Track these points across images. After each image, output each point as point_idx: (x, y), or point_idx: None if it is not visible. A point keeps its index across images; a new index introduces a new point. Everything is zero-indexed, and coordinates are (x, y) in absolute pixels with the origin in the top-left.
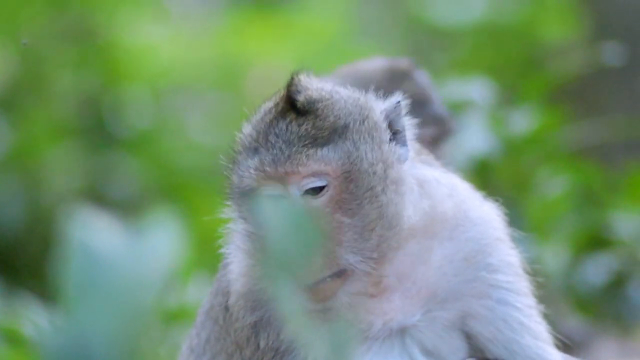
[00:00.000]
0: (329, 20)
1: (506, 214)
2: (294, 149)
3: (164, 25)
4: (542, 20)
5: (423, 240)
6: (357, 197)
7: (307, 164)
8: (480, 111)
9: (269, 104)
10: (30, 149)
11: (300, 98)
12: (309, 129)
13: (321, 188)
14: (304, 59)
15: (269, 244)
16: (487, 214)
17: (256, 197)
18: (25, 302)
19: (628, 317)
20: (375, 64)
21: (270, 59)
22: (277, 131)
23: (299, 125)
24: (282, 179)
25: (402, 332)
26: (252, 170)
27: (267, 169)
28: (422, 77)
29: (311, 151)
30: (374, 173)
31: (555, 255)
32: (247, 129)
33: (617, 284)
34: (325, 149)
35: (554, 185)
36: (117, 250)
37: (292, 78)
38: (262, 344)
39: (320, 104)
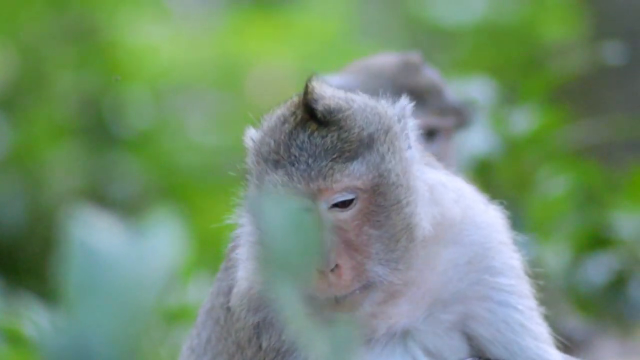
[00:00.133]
0: (330, 20)
1: (507, 214)
2: (323, 163)
3: (165, 25)
4: (543, 19)
5: (430, 246)
6: (385, 209)
7: (340, 180)
8: (481, 111)
9: (283, 112)
10: (31, 149)
11: (319, 107)
12: (335, 142)
13: (349, 201)
14: (305, 59)
15: (271, 245)
16: (491, 218)
17: (259, 200)
18: (26, 302)
19: (629, 316)
20: (387, 58)
21: (270, 59)
22: (298, 143)
23: (322, 137)
24: (312, 195)
25: (405, 333)
26: (279, 186)
27: (299, 185)
28: (433, 70)
29: (341, 166)
30: (401, 185)
31: (556, 255)
32: (263, 137)
33: (618, 283)
34: (355, 163)
35: (555, 184)
36: (118, 250)
37: (308, 86)
38: (264, 344)
39: (341, 115)
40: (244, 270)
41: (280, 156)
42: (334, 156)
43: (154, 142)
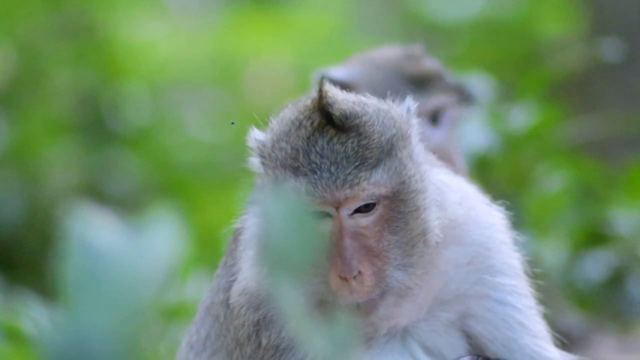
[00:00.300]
0: (327, 16)
1: (508, 213)
2: (348, 171)
3: (162, 21)
4: (540, 16)
5: (435, 248)
6: (404, 214)
7: (366, 189)
8: (478, 107)
9: (297, 116)
10: (29, 146)
11: (335, 112)
12: (356, 148)
13: (370, 207)
14: (302, 56)
15: (277, 244)
16: (493, 218)
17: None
18: (25, 299)
19: (627, 312)
20: (389, 49)
21: (268, 56)
22: (318, 149)
23: (342, 144)
24: (337, 203)
25: (404, 332)
26: (303, 194)
27: (325, 195)
28: (433, 60)
29: (366, 174)
30: (419, 190)
31: (554, 251)
32: (276, 142)
33: (615, 279)
34: (379, 171)
35: (553, 180)
36: (116, 247)
37: (322, 90)
38: (263, 342)
39: (358, 120)
40: (245, 267)
41: (299, 163)
42: (357, 163)
43: (151, 138)
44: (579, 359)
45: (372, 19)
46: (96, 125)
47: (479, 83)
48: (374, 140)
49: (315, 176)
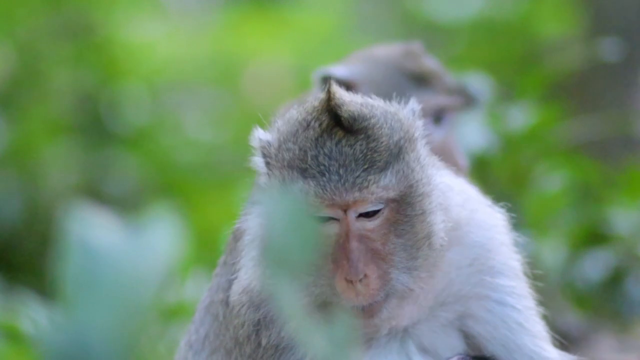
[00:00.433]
0: (326, 16)
1: (509, 215)
2: (357, 174)
3: (161, 22)
4: (539, 15)
5: (438, 251)
6: (410, 218)
7: (375, 192)
8: (480, 109)
9: (304, 116)
10: (28, 146)
11: (344, 114)
12: (365, 151)
13: (377, 210)
14: (301, 56)
15: (279, 244)
16: (494, 220)
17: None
18: (24, 299)
19: (626, 312)
20: (389, 47)
21: (267, 56)
22: (326, 151)
23: (351, 146)
24: (345, 206)
25: (403, 331)
26: (312, 196)
27: (335, 197)
28: (432, 58)
29: (375, 177)
30: (426, 194)
31: (553, 251)
32: (282, 142)
33: (615, 279)
34: (387, 174)
35: (552, 181)
36: (115, 247)
37: (330, 91)
38: (263, 341)
39: (366, 122)
40: (246, 267)
41: (307, 164)
42: (365, 166)
43: (150, 138)
44: (578, 359)
45: (371, 19)
46: (95, 126)
47: (478, 83)
48: (382, 142)
49: (324, 178)
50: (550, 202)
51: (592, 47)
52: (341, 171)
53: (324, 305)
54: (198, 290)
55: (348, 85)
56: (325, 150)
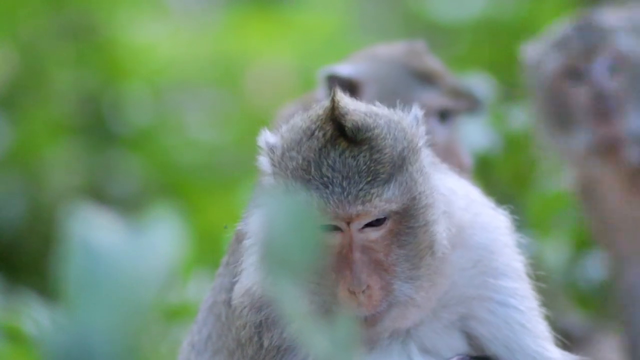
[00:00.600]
0: (328, 16)
1: (512, 216)
2: (360, 187)
3: (163, 22)
4: (542, 15)
5: (441, 259)
6: (413, 229)
7: (378, 206)
8: (485, 112)
9: (308, 125)
10: (30, 147)
11: (348, 124)
12: (368, 163)
13: (380, 222)
14: (303, 56)
15: (276, 246)
16: (497, 222)
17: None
18: (26, 300)
19: None
20: (393, 46)
21: (269, 56)
22: (330, 162)
23: (354, 157)
24: (348, 218)
25: (405, 333)
26: (315, 208)
27: (338, 210)
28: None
29: (378, 190)
30: (429, 205)
31: (555, 251)
32: (286, 150)
33: None
34: (391, 187)
35: (554, 180)
36: (117, 248)
37: (334, 99)
38: (265, 343)
39: (370, 133)
40: (248, 268)
41: (311, 176)
42: (369, 179)
43: (153, 139)
44: (580, 359)
45: (373, 19)
46: (98, 127)
47: (481, 83)
48: (386, 154)
49: (327, 191)
50: (553, 202)
51: None
52: (344, 183)
53: (321, 308)
54: (200, 291)
55: (353, 84)
56: (329, 162)
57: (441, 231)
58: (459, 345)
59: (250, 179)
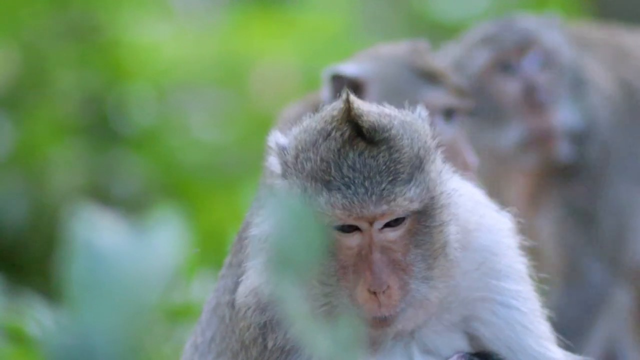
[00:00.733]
0: (332, 16)
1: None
2: (382, 186)
3: (167, 22)
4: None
5: (453, 260)
6: (430, 228)
7: (402, 204)
8: None
9: (323, 126)
10: (34, 148)
11: (365, 124)
12: (388, 163)
13: (400, 221)
14: (308, 56)
15: (282, 247)
16: (500, 224)
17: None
18: (29, 301)
19: None
20: (396, 45)
21: (273, 56)
22: (349, 163)
23: (374, 158)
24: (372, 218)
25: (409, 334)
26: (337, 210)
27: (363, 210)
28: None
29: (401, 189)
30: (445, 205)
31: None
32: (301, 151)
33: None
34: (412, 186)
35: None
36: (120, 248)
37: (349, 101)
38: (269, 344)
39: (387, 133)
40: (252, 270)
41: (331, 177)
42: (390, 178)
43: (156, 139)
44: (582, 359)
45: (377, 19)
46: (101, 127)
47: None
48: (404, 154)
49: (349, 191)
50: None
51: None
52: (367, 183)
53: (330, 310)
54: (204, 292)
55: (357, 84)
56: (349, 162)
57: (453, 232)
58: (461, 346)
59: (253, 180)
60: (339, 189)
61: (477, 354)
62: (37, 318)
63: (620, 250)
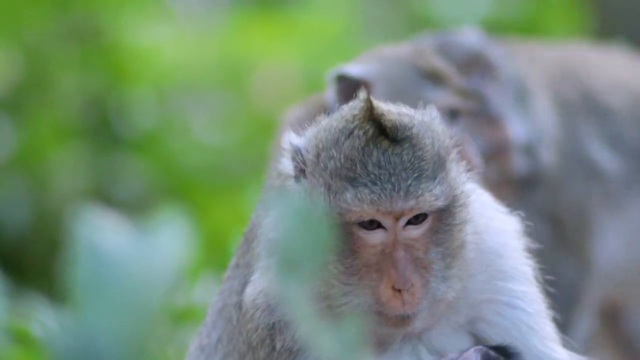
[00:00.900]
0: (333, 18)
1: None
2: (409, 183)
3: (168, 25)
4: (547, 17)
5: (468, 260)
6: (450, 227)
7: (429, 200)
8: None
9: (344, 124)
10: (36, 150)
11: (387, 123)
12: (412, 160)
13: (422, 219)
14: (309, 58)
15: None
16: (508, 226)
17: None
18: (33, 303)
19: None
20: (399, 46)
21: (275, 59)
22: (374, 160)
23: (398, 155)
24: (400, 214)
25: (417, 335)
26: (366, 205)
27: (392, 205)
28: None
29: (427, 185)
30: (465, 205)
31: None
32: (323, 150)
33: None
34: (437, 183)
35: None
36: (124, 250)
37: (370, 100)
38: (278, 345)
39: (409, 132)
40: (260, 270)
41: (356, 174)
42: (415, 175)
43: (158, 142)
44: None
45: (378, 21)
46: (103, 130)
47: None
48: (427, 152)
49: (376, 187)
50: None
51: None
52: (393, 179)
53: (350, 310)
54: (207, 294)
55: (361, 84)
56: (374, 159)
57: (470, 232)
58: (467, 347)
59: (255, 182)
60: (366, 185)
61: (493, 347)
62: (41, 320)
63: (588, 247)
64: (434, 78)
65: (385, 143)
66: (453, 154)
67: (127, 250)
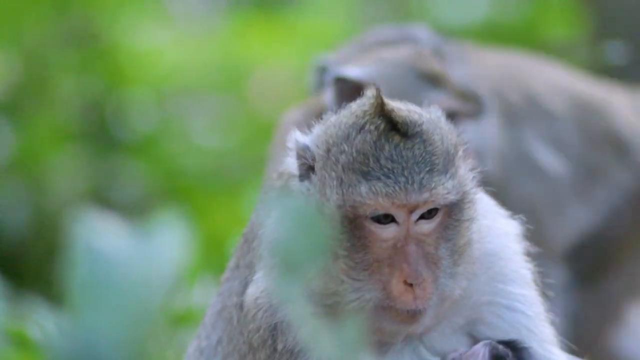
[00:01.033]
0: (331, 21)
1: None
2: (422, 176)
3: (167, 28)
4: (546, 19)
5: (473, 259)
6: (459, 223)
7: (441, 193)
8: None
9: (354, 120)
10: (34, 153)
11: (398, 119)
12: (424, 155)
13: (433, 214)
14: (307, 61)
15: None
16: (508, 229)
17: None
18: (32, 305)
19: None
20: (397, 49)
21: (273, 61)
22: (386, 154)
23: (409, 149)
24: (413, 207)
25: (418, 336)
26: (380, 197)
27: (407, 198)
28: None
29: (440, 179)
30: (473, 202)
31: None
32: (334, 145)
33: None
34: (449, 177)
35: None
36: (123, 253)
37: (380, 95)
38: (279, 346)
39: (419, 127)
40: (261, 271)
41: (369, 167)
42: (428, 169)
43: (157, 145)
44: None
45: (376, 23)
46: (102, 133)
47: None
48: (437, 147)
49: (390, 180)
50: None
51: (597, 51)
52: (406, 173)
53: (343, 307)
54: (206, 296)
55: (362, 86)
56: (386, 153)
57: (475, 231)
58: (465, 348)
59: (254, 184)
60: (379, 178)
61: (501, 342)
62: (40, 323)
63: (546, 239)
64: (433, 81)
65: (396, 138)
66: (460, 152)
67: (125, 253)
